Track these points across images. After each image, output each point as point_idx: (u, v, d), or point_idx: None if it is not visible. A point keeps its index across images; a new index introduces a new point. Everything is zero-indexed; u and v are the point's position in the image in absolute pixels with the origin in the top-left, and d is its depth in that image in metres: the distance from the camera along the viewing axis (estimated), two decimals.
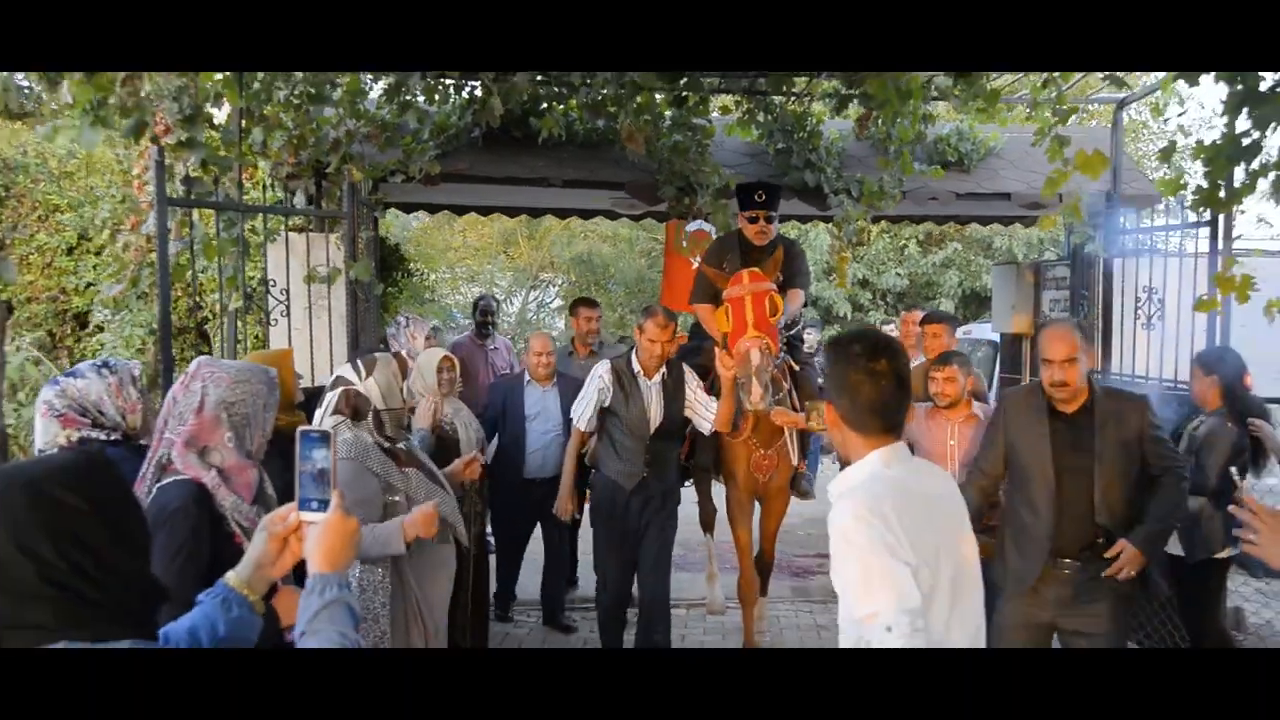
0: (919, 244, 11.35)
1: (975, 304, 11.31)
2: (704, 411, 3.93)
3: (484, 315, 5.86)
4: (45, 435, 2.87)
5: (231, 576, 1.51)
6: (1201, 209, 3.47)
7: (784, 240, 4.40)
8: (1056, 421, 2.92)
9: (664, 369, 3.89)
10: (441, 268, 13.24)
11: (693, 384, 3.97)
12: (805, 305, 4.65)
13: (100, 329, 5.53)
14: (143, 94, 3.19)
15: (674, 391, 3.91)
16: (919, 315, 5.27)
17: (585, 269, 12.12)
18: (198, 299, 3.85)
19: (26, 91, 11.40)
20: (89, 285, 5.75)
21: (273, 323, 4.08)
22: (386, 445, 2.68)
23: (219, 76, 3.57)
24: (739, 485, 4.28)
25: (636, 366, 3.88)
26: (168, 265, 3.57)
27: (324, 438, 1.53)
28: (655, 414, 3.86)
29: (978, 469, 3.22)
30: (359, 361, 2.74)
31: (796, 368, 4.23)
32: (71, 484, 1.18)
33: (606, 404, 3.85)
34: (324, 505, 1.49)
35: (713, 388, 4.08)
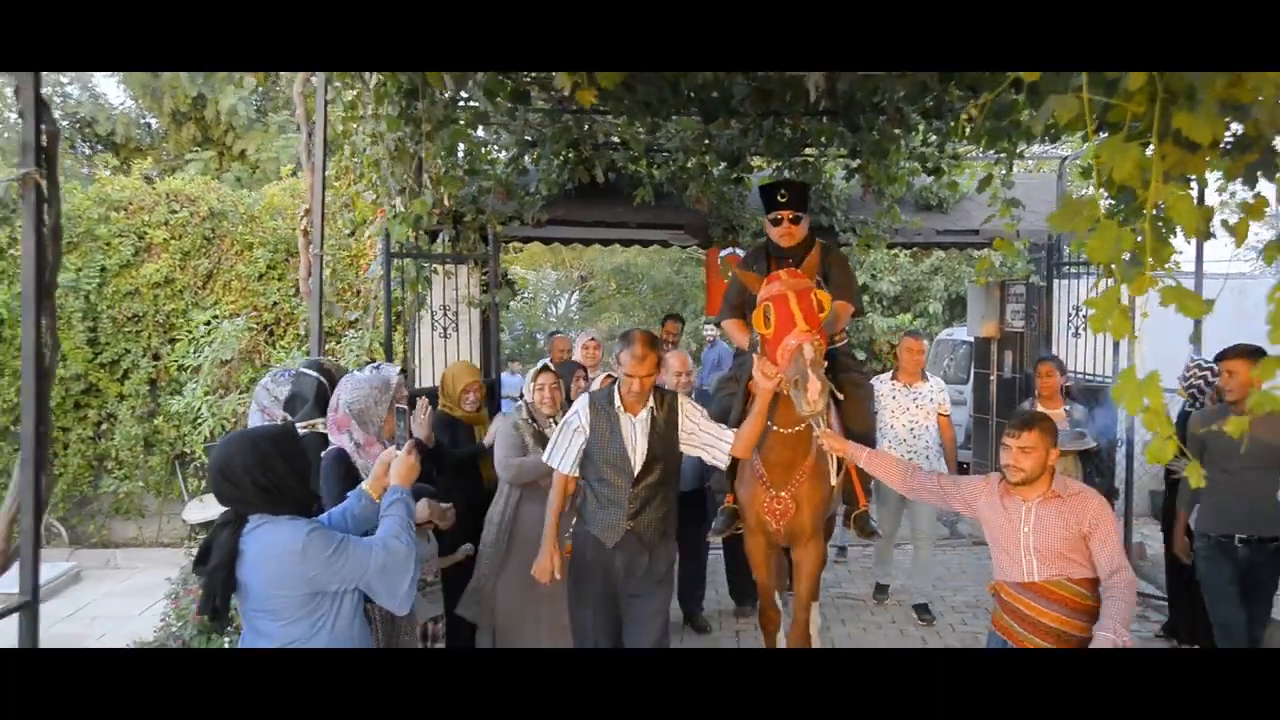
0: (910, 255, 12.88)
1: (960, 307, 12.50)
2: (714, 441, 3.37)
3: (669, 333, 6.82)
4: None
5: (364, 484, 2.60)
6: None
7: (820, 242, 3.72)
8: None
9: (652, 402, 3.33)
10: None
11: (693, 415, 3.39)
12: (856, 315, 4.08)
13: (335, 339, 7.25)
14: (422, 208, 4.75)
15: (665, 429, 3.34)
16: (921, 344, 5.77)
17: (621, 275, 13.75)
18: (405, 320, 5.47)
19: (146, 128, 13.40)
20: (274, 304, 7.44)
21: (448, 336, 5.69)
22: (527, 423, 4.05)
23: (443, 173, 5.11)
24: (751, 530, 3.76)
25: (618, 400, 3.33)
26: (390, 297, 5.19)
27: (405, 414, 2.77)
28: (639, 455, 3.30)
29: None
30: (530, 372, 4.16)
31: (840, 396, 3.42)
32: (271, 440, 2.25)
33: (583, 444, 3.36)
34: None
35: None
